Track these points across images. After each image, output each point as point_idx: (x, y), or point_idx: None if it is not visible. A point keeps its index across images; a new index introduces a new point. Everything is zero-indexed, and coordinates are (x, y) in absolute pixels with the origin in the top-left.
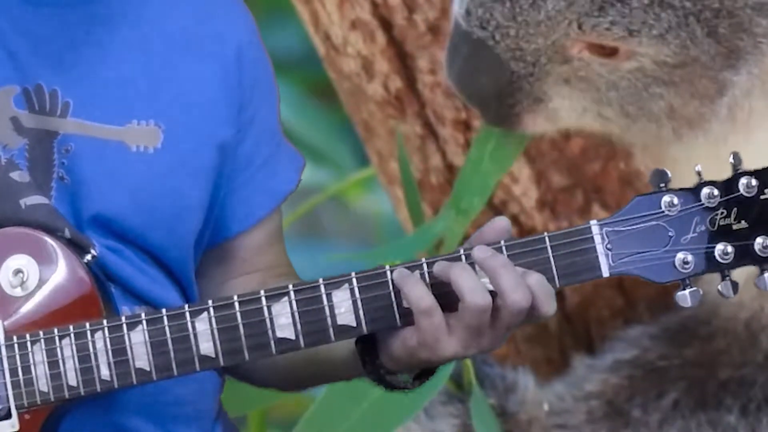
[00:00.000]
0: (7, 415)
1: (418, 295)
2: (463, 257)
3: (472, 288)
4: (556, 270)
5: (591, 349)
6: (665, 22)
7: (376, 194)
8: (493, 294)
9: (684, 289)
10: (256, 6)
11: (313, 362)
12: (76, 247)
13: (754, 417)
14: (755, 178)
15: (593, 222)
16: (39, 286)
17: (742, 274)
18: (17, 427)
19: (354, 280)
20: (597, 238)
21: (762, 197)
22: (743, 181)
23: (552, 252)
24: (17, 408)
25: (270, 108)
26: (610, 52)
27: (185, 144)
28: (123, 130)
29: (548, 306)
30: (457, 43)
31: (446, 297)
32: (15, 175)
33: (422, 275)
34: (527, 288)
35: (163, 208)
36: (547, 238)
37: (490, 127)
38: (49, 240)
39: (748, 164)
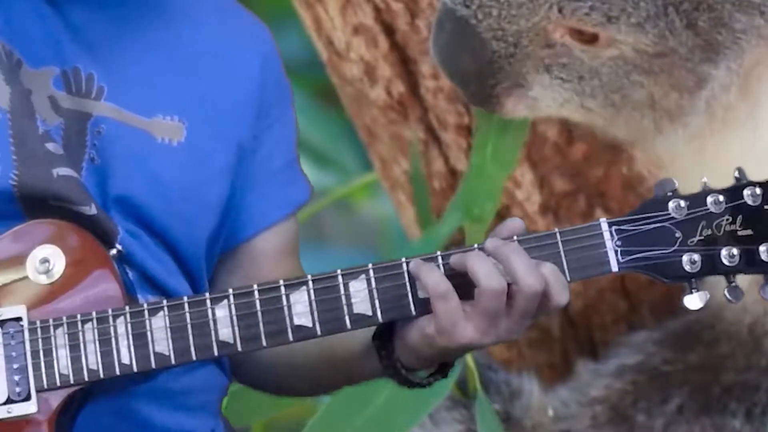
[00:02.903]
0: (27, 397)
1: (435, 280)
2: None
3: (487, 272)
4: (567, 264)
5: (595, 355)
6: (644, 10)
7: (380, 198)
8: (508, 281)
9: (692, 292)
10: (259, 10)
11: (331, 361)
12: (100, 227)
13: (759, 421)
14: (760, 188)
15: (602, 219)
16: (64, 274)
17: (746, 277)
18: (36, 409)
19: (371, 271)
20: (606, 235)
21: (766, 207)
22: (747, 191)
23: (563, 247)
24: (37, 390)
25: (287, 124)
26: (591, 39)
27: (207, 142)
28: (149, 122)
29: (562, 294)
30: (442, 20)
31: (462, 287)
32: (50, 146)
33: (437, 267)
34: (540, 273)
35: (182, 200)
36: (558, 234)
37: (486, 132)
38: (76, 232)
39: (724, 161)
